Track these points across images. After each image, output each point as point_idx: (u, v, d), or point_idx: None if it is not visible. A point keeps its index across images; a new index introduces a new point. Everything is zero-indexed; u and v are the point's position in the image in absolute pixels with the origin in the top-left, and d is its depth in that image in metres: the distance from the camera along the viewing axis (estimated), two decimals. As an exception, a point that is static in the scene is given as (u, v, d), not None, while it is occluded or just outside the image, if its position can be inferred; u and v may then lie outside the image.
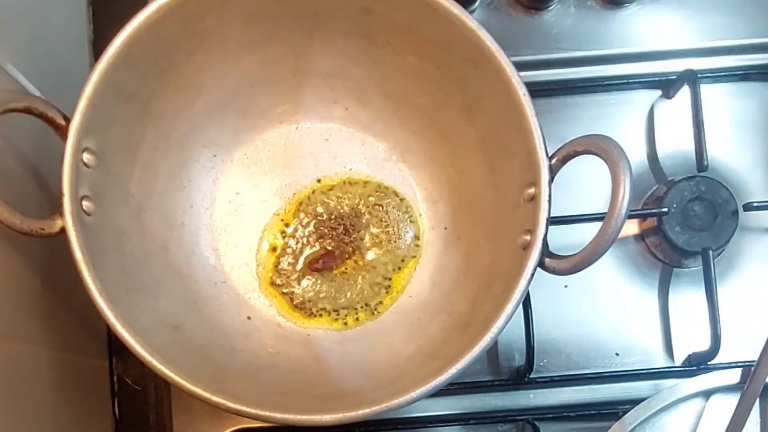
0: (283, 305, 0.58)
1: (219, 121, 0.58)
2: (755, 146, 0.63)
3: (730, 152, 0.63)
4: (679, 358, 0.61)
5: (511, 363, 0.61)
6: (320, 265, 0.59)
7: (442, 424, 0.60)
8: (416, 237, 0.59)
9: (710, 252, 0.58)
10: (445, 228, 0.59)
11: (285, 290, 0.58)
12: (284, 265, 0.59)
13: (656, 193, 0.62)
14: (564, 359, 0.61)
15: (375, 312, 0.58)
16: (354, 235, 0.59)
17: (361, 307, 0.58)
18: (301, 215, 0.60)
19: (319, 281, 0.59)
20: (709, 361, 0.59)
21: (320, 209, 0.60)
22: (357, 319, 0.58)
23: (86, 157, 0.47)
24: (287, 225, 0.59)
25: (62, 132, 0.46)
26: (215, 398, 0.45)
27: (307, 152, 0.60)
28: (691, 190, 0.59)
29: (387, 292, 0.59)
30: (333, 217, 0.60)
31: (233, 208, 0.60)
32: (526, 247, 0.47)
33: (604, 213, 0.44)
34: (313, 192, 0.60)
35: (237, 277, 0.58)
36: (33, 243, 0.48)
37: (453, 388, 0.60)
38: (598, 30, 0.64)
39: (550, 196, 0.47)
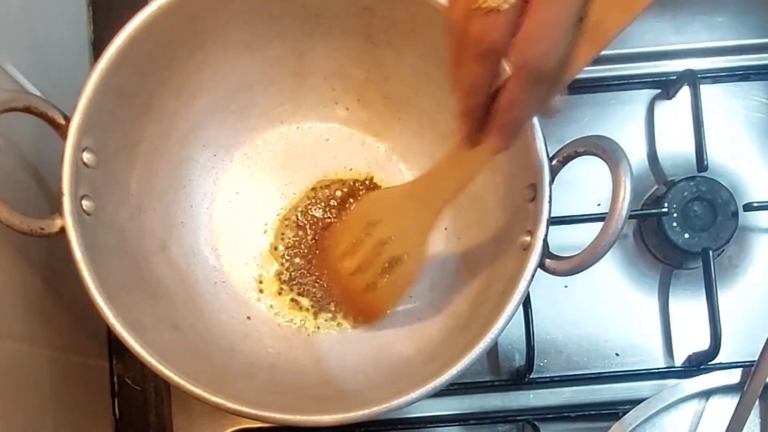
0: (283, 305, 0.58)
1: (219, 121, 0.58)
2: (755, 146, 0.63)
3: (730, 152, 0.63)
4: (680, 358, 0.61)
5: (511, 363, 0.61)
6: (320, 264, 0.59)
7: (442, 424, 0.60)
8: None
9: (710, 252, 0.58)
10: (445, 228, 0.59)
11: (285, 290, 0.58)
12: (284, 264, 0.59)
13: (656, 193, 0.62)
14: (564, 359, 0.61)
15: (375, 312, 0.58)
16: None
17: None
18: (301, 215, 0.59)
19: (319, 281, 0.59)
20: (710, 361, 0.59)
21: (320, 209, 0.60)
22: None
23: (86, 156, 0.47)
24: (287, 225, 0.59)
25: (62, 131, 0.46)
26: (215, 398, 0.45)
27: (307, 152, 0.60)
28: (691, 190, 0.59)
29: (387, 292, 0.58)
30: (333, 217, 0.59)
31: (233, 208, 0.59)
32: (527, 247, 0.47)
33: (604, 213, 0.44)
34: (314, 192, 0.60)
35: (237, 277, 0.58)
36: (33, 243, 0.48)
37: (453, 389, 0.60)
38: (598, 30, 0.64)
39: (550, 196, 0.47)
